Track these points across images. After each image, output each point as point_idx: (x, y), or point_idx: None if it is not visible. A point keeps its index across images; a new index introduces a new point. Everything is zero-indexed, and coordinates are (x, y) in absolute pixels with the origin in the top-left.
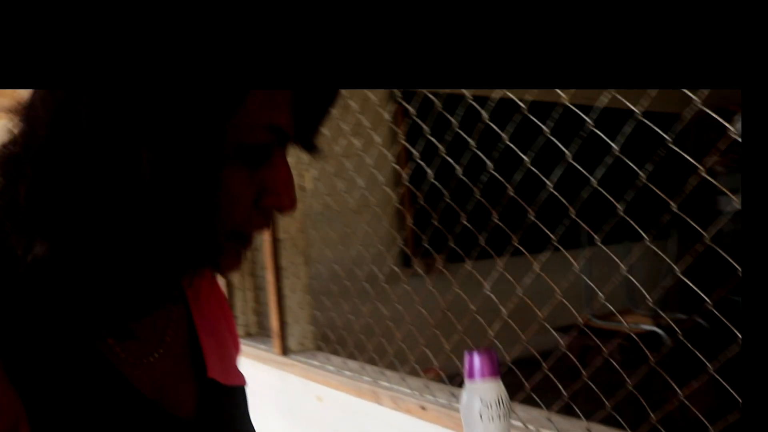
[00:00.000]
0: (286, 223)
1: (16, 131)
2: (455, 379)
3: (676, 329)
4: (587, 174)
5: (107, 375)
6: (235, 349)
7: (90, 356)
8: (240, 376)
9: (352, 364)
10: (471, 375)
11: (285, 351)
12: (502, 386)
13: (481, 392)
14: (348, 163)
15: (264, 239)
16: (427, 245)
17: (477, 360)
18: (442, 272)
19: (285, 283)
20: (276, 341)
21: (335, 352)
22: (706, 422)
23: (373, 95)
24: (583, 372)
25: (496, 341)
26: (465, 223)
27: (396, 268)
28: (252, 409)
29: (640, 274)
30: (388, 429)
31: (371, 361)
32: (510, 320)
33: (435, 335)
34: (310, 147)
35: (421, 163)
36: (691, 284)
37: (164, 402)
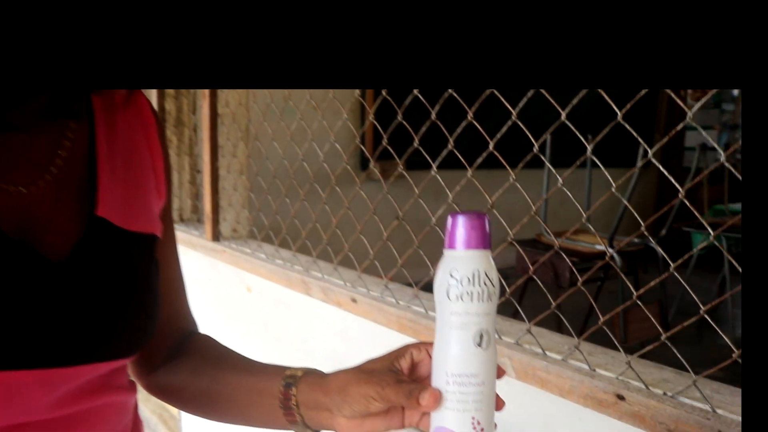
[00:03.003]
0: (227, 96)
1: None
2: None
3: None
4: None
5: None
6: (158, 197)
7: None
8: (150, 225)
9: (284, 253)
10: (449, 243)
11: (216, 237)
12: (486, 260)
13: (453, 265)
14: None
15: (203, 113)
16: (387, 146)
17: (456, 224)
18: (399, 179)
19: (221, 163)
20: (208, 226)
21: (281, 246)
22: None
23: None
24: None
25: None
26: (437, 122)
27: (351, 170)
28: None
29: (599, 198)
30: (316, 321)
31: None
32: None
33: (386, 246)
34: None
35: None
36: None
37: (31, 238)
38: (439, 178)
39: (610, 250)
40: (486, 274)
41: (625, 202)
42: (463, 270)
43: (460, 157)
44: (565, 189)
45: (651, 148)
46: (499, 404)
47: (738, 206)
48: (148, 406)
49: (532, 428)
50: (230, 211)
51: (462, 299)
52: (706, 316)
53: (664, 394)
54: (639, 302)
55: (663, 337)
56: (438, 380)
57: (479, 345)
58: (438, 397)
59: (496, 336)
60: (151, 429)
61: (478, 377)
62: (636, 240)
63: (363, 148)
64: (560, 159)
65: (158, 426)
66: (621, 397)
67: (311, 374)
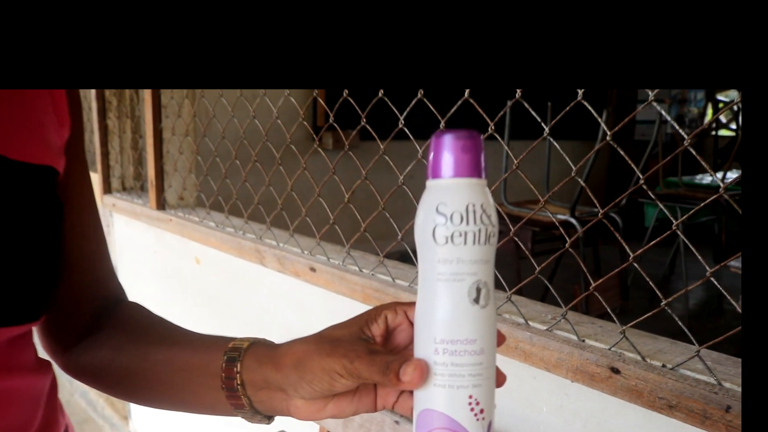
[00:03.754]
0: None
1: None
2: None
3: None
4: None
5: None
6: (59, 124)
7: None
8: (46, 156)
9: (235, 220)
10: (433, 171)
11: (162, 205)
12: (482, 191)
13: (440, 197)
14: None
15: None
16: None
17: (443, 145)
18: (352, 149)
19: (165, 124)
20: (152, 193)
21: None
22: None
23: None
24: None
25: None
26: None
27: (308, 126)
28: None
29: (561, 170)
30: (272, 293)
31: None
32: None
33: (348, 211)
34: None
35: None
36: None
37: None
38: (406, 130)
39: (572, 221)
40: (483, 209)
41: (627, 162)
42: (454, 203)
43: (433, 108)
44: (553, 141)
45: (603, 121)
46: (500, 378)
47: (689, 178)
48: None
49: (513, 407)
50: (176, 177)
51: (453, 242)
52: (716, 279)
53: (663, 366)
54: (636, 265)
55: (663, 303)
56: (423, 349)
57: (476, 302)
58: (424, 371)
59: None
60: (98, 413)
61: (475, 344)
62: (596, 210)
63: (319, 100)
64: (519, 130)
65: (105, 409)
66: (616, 371)
67: (260, 346)
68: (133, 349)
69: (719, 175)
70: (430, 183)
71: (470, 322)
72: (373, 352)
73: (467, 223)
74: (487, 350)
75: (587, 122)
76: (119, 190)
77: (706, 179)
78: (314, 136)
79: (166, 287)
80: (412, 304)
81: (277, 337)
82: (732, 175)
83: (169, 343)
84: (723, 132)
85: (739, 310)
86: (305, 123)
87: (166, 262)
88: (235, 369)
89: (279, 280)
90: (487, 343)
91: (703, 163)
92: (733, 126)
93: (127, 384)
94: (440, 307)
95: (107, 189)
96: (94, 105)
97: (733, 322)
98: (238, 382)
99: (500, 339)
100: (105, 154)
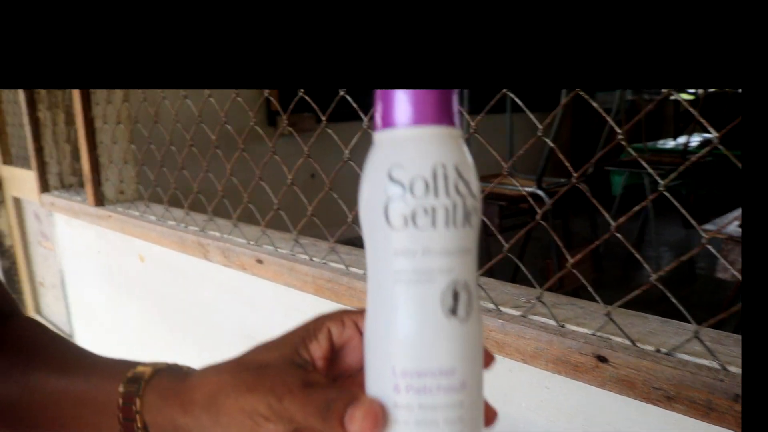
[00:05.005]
0: None
1: None
2: None
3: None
4: None
5: None
6: None
7: None
8: None
9: (176, 212)
10: (383, 118)
11: (100, 201)
12: (456, 146)
13: (395, 157)
14: None
15: None
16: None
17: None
18: (308, 132)
19: (96, 112)
20: (89, 189)
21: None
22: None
23: None
24: None
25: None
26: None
27: (243, 104)
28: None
29: (524, 142)
30: (219, 290)
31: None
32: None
33: (294, 197)
34: None
35: None
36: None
37: None
38: (348, 98)
39: (540, 193)
40: (458, 173)
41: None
42: (415, 165)
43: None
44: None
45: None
46: (489, 417)
47: (652, 143)
48: None
49: None
50: (112, 170)
51: (415, 223)
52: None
53: (657, 351)
54: (618, 234)
55: (653, 277)
56: (378, 385)
57: (453, 313)
58: (379, 418)
59: None
60: None
61: (453, 375)
62: (563, 180)
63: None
64: (478, 106)
65: None
66: (602, 359)
67: (165, 376)
68: (19, 378)
69: (682, 139)
70: (379, 136)
71: (446, 344)
72: (309, 385)
73: (436, 194)
74: (471, 383)
75: (547, 94)
76: (57, 188)
77: (669, 144)
78: (249, 112)
79: (113, 289)
80: (362, 312)
81: (231, 336)
82: (696, 138)
83: (61, 371)
84: (683, 96)
85: (718, 275)
86: (239, 99)
87: (111, 261)
88: (133, 407)
89: (225, 275)
90: (471, 373)
91: (706, 124)
92: (692, 90)
93: (10, 422)
94: (401, 324)
95: (45, 187)
96: (21, 96)
97: (707, 287)
98: (139, 425)
99: (488, 360)
100: (39, 150)
